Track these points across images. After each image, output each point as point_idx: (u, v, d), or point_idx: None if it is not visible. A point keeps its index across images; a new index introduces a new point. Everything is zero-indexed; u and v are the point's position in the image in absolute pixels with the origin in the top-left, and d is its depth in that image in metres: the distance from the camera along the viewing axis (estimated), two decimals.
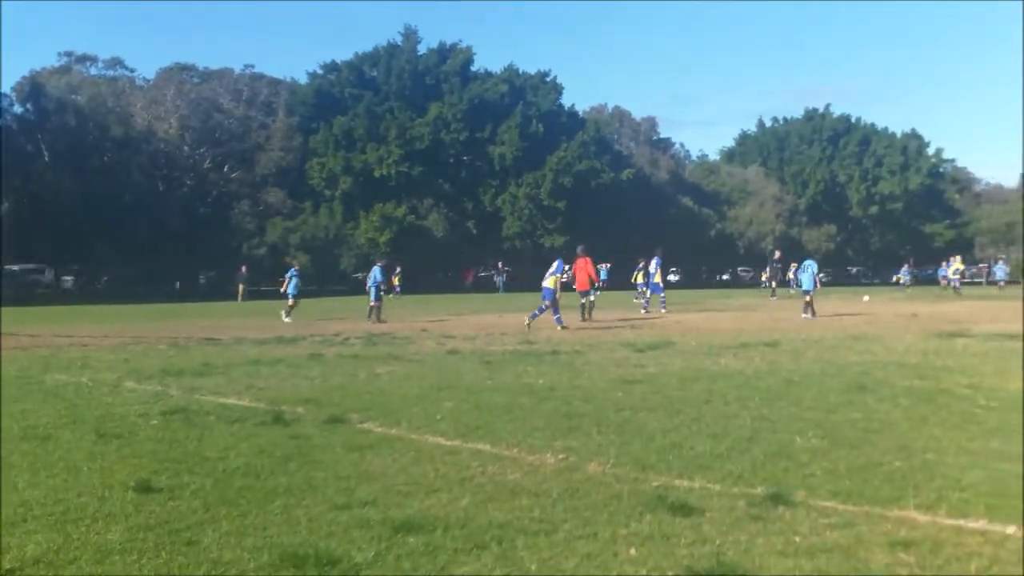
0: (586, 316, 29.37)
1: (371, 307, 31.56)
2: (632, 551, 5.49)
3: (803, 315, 29.93)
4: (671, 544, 5.61)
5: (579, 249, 30.36)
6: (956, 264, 57.90)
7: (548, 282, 26.59)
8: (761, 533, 5.80)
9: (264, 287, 67.73)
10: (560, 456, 8.08)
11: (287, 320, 30.85)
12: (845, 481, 7.08)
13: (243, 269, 61.86)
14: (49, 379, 14.18)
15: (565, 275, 28.00)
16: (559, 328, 24.85)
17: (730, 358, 16.51)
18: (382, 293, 32.26)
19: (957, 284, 55.54)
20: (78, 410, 10.83)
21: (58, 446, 8.67)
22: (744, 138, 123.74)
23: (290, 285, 33.68)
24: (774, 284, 51.54)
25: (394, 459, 8.05)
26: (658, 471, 7.49)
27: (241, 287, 59.31)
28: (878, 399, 11.24)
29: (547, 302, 26.26)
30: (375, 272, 32.72)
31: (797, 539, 5.67)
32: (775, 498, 6.51)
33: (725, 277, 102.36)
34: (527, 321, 26.18)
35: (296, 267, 35.64)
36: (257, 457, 8.13)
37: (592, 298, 29.73)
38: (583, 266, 29.22)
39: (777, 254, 53.66)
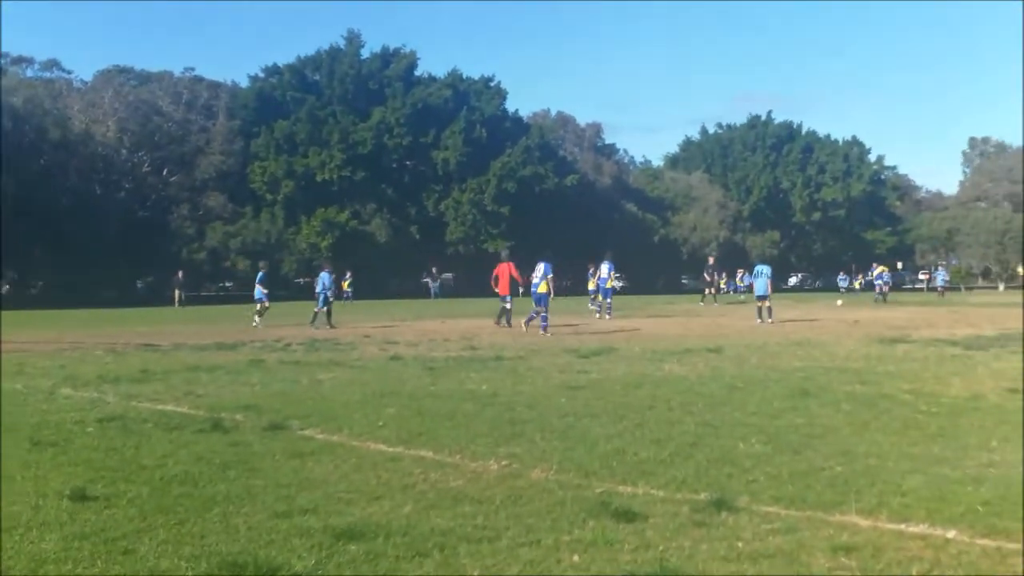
0: (501, 322, 28.84)
1: (315, 313, 30.93)
2: (575, 557, 5.47)
3: (757, 320, 30.15)
4: (614, 550, 5.59)
5: (503, 254, 30.21)
6: (879, 269, 58.51)
7: (540, 287, 26.62)
8: (704, 539, 5.81)
9: (204, 292, 67.21)
10: (503, 462, 8.05)
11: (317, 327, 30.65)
12: (788, 486, 7.11)
13: (179, 274, 61.26)
14: None
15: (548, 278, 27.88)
16: (543, 333, 25.13)
17: (674, 364, 16.58)
18: (330, 299, 31.62)
19: (882, 290, 55.96)
20: (12, 417, 10.62)
21: None
22: (688, 144, 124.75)
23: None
24: (711, 290, 51.66)
25: (335, 466, 7.98)
26: (601, 477, 7.48)
27: (178, 292, 58.67)
28: (820, 404, 11.33)
29: (540, 307, 26.34)
30: (323, 277, 32.09)
31: (740, 544, 5.68)
32: (718, 504, 6.52)
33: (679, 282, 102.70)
34: (523, 326, 26.57)
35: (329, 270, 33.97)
36: (195, 465, 8.01)
37: (508, 305, 28.76)
38: (506, 271, 28.82)
39: (711, 260, 53.81)
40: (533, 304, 26.66)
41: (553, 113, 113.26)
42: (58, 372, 15.89)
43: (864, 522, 6.18)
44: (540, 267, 27.01)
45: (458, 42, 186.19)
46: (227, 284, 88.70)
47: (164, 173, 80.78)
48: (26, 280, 78.56)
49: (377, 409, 11.09)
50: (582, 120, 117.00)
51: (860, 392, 12.43)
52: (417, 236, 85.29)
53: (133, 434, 9.55)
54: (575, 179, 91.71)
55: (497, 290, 29.26)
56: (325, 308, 30.95)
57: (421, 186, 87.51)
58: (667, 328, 27.71)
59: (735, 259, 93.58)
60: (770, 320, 29.99)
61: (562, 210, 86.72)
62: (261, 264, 37.11)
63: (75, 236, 67.69)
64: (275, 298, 40.54)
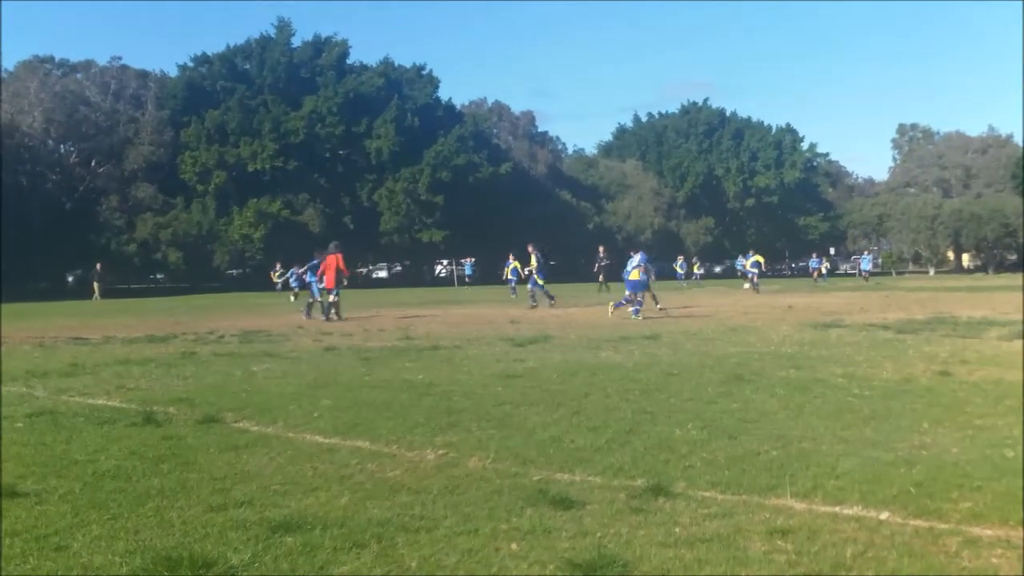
0: (331, 315, 27.97)
1: (311, 303, 30.07)
2: (513, 546, 5.48)
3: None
4: (552, 538, 5.61)
5: (332, 245, 29.69)
6: (755, 257, 55.38)
7: (632, 274, 26.87)
8: (642, 525, 5.84)
9: (135, 285, 66.23)
10: (440, 452, 8.05)
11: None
12: (724, 471, 7.18)
13: (98, 267, 60.23)
14: None
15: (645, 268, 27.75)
16: (634, 318, 25.57)
17: (610, 351, 16.67)
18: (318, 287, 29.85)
19: (754, 279, 52.96)
20: None
21: None
22: (621, 132, 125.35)
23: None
24: (601, 278, 51.16)
25: (271, 458, 7.93)
26: (539, 465, 7.50)
27: (96, 285, 57.68)
28: (755, 389, 11.45)
29: (631, 293, 26.85)
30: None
31: (677, 530, 5.72)
32: (655, 490, 6.56)
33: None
34: (610, 310, 27.22)
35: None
36: (128, 459, 7.92)
37: (334, 297, 28.26)
38: (333, 263, 28.36)
39: (601, 250, 53.27)
40: (626, 290, 27.12)
41: (489, 102, 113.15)
42: None
43: (799, 505, 6.26)
44: (635, 256, 27.38)
45: (390, 31, 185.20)
46: (158, 276, 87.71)
47: (92, 164, 79.50)
48: None
49: (312, 400, 11.03)
50: (516, 109, 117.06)
51: (794, 377, 12.59)
52: (351, 226, 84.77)
53: (64, 429, 9.41)
54: (509, 167, 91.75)
55: (323, 285, 28.73)
56: (319, 299, 29.58)
57: (354, 176, 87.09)
58: (601, 317, 27.80)
59: (671, 247, 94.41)
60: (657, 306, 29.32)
61: (497, 199, 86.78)
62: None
63: (1, 228, 66.39)
64: (207, 290, 40.32)
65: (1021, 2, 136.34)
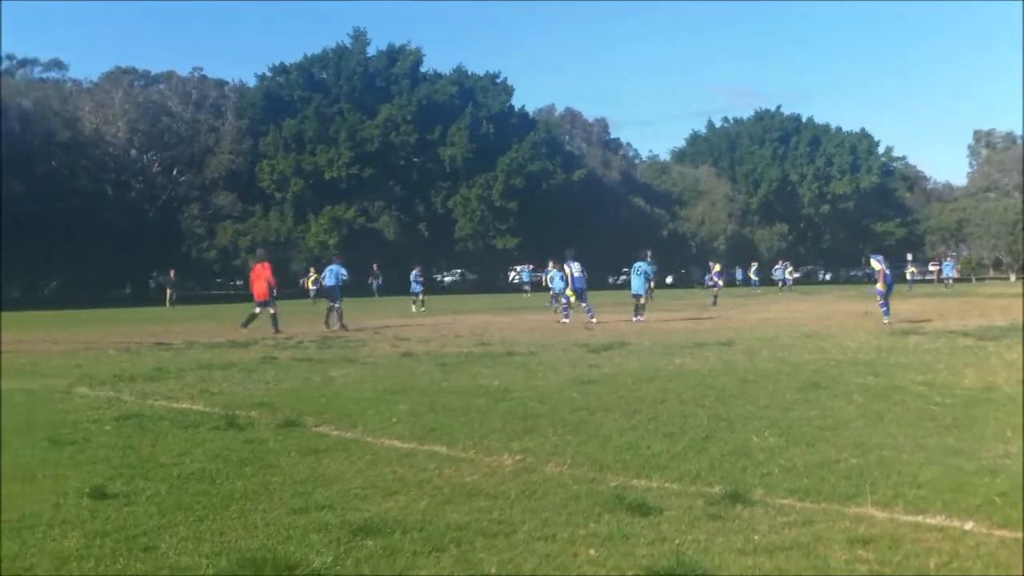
0: (278, 328, 26.04)
1: (333, 308, 29.18)
2: (591, 551, 5.49)
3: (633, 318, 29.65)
4: (630, 544, 5.61)
5: (259, 253, 28.78)
6: (716, 267, 49.84)
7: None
8: (720, 532, 5.82)
9: (215, 291, 67.26)
10: (517, 457, 8.08)
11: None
12: (803, 479, 7.11)
13: (171, 273, 61.15)
14: None
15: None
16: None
17: (685, 357, 16.61)
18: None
19: (718, 286, 47.89)
20: (30, 417, 10.71)
21: (11, 454, 8.54)
22: (695, 138, 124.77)
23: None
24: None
25: (350, 462, 8.01)
26: (615, 471, 7.50)
27: (168, 291, 58.59)
28: (832, 397, 11.33)
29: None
30: (337, 270, 30.17)
31: (756, 537, 5.69)
32: (733, 497, 6.53)
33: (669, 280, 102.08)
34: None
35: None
36: (212, 462, 8.05)
37: (272, 310, 26.57)
38: (261, 273, 27.14)
39: (713, 265, 51.23)
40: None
41: (560, 109, 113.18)
42: (73, 371, 15.97)
43: (880, 514, 6.18)
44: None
45: (464, 39, 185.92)
46: (237, 283, 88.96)
47: (174, 173, 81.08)
48: (39, 281, 78.91)
49: (390, 405, 11.13)
50: (589, 116, 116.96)
51: (872, 384, 12.43)
52: (425, 233, 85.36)
53: (150, 432, 9.60)
54: (582, 174, 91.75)
55: (254, 296, 27.49)
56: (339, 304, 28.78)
57: (429, 183, 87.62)
58: (677, 323, 27.68)
59: (744, 253, 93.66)
60: (640, 318, 29.04)
61: (570, 205, 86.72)
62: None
63: (86, 236, 67.97)
64: (283, 296, 40.87)
65: None
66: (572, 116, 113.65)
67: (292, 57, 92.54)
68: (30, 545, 5.76)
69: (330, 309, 29.08)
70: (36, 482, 7.43)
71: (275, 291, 27.15)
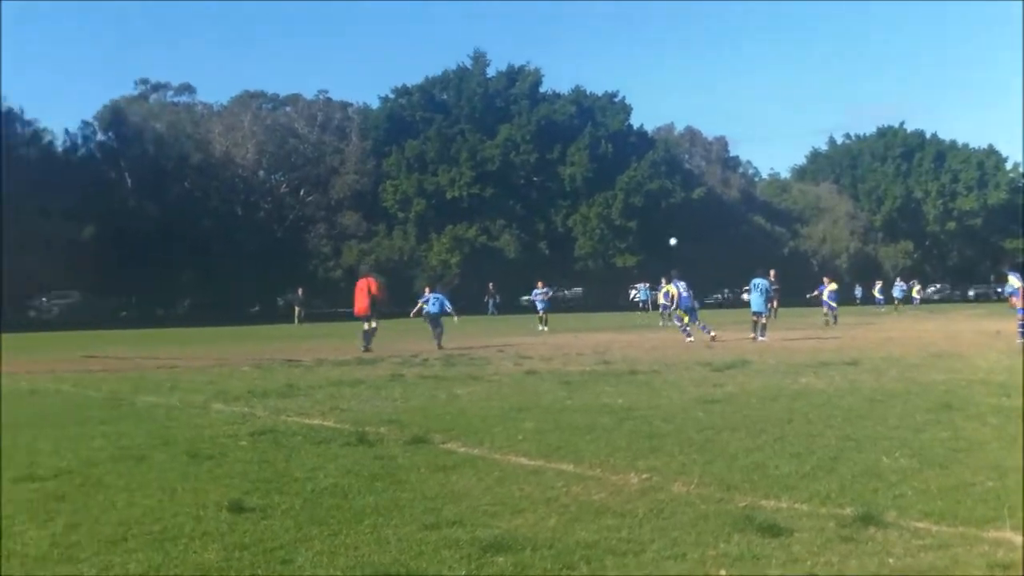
0: (367, 346, 26.23)
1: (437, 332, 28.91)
2: (722, 572, 5.46)
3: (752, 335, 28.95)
4: (761, 565, 5.57)
5: (361, 268, 28.52)
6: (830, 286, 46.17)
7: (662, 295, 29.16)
8: (853, 554, 5.73)
9: (340, 309, 68.22)
10: (644, 476, 8.05)
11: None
12: (937, 501, 6.96)
13: (299, 291, 62.30)
14: (140, 401, 14.51)
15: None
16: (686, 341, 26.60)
17: (810, 377, 16.38)
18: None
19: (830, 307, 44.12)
20: (169, 431, 11.04)
21: (152, 467, 8.83)
22: (815, 156, 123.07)
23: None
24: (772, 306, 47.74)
25: (479, 479, 8.08)
26: (743, 491, 7.44)
27: (297, 309, 59.63)
28: (965, 418, 11.05)
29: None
30: (442, 300, 30.08)
31: (891, 561, 5.59)
32: (865, 519, 6.42)
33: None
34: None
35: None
36: (344, 477, 8.19)
37: (373, 324, 26.73)
38: (363, 287, 27.09)
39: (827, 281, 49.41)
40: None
41: (680, 127, 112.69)
42: (209, 387, 16.45)
43: (1020, 539, 6.01)
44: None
45: (582, 59, 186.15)
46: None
47: (301, 193, 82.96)
48: (171, 298, 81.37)
49: (516, 423, 11.20)
50: (709, 134, 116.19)
51: (1007, 405, 12.08)
52: (546, 251, 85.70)
53: (284, 447, 9.81)
54: (702, 192, 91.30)
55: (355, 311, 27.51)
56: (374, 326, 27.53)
57: (548, 202, 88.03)
58: (800, 342, 27.28)
59: (868, 271, 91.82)
60: (763, 337, 28.25)
61: (689, 224, 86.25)
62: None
63: (217, 256, 69.92)
64: (403, 314, 41.57)
65: None
66: (691, 134, 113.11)
67: (414, 79, 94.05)
68: (172, 557, 5.92)
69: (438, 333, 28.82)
70: (176, 495, 7.62)
71: (378, 307, 27.27)
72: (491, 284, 71.18)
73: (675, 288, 30.03)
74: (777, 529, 6.25)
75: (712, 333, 28.60)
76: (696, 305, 30.81)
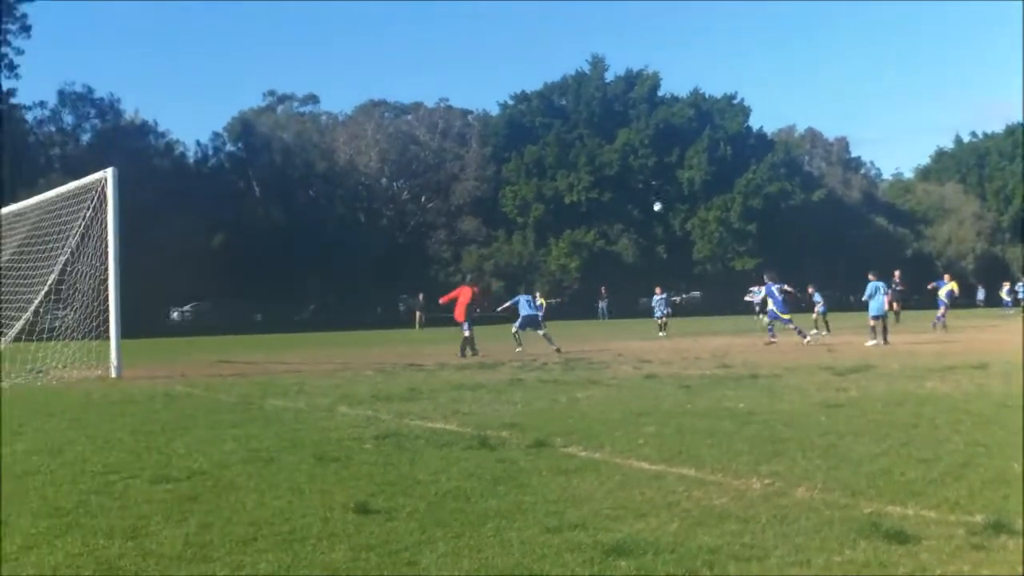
0: (466, 353, 26.61)
1: (522, 331, 29.80)
2: None
3: (870, 342, 27.90)
4: (889, 573, 5.47)
5: (467, 278, 28.54)
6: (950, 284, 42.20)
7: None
8: (984, 563, 5.60)
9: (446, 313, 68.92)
10: (766, 481, 7.98)
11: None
12: None
13: (420, 297, 62.92)
14: (268, 404, 14.89)
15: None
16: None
17: (936, 381, 16.02)
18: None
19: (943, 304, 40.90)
20: (297, 434, 11.29)
21: (281, 468, 9.03)
22: (940, 155, 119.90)
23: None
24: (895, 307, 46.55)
25: (600, 483, 8.08)
26: (868, 497, 7.32)
27: (418, 314, 60.20)
28: None
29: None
30: (528, 300, 30.76)
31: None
32: (996, 526, 6.25)
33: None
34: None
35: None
36: (467, 480, 8.26)
37: (467, 332, 27.08)
38: (458, 295, 27.62)
39: (897, 275, 48.18)
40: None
41: (801, 128, 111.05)
42: (334, 391, 16.79)
43: None
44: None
45: (700, 61, 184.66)
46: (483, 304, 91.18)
47: (422, 200, 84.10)
48: (297, 303, 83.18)
49: (636, 427, 11.18)
50: (830, 134, 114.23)
51: None
52: (664, 255, 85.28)
53: (407, 451, 9.92)
54: (822, 194, 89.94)
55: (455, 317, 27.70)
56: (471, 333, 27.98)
57: (667, 205, 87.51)
58: (924, 345, 26.66)
59: (995, 272, 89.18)
60: (883, 342, 27.43)
61: (810, 226, 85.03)
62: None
63: (342, 262, 71.24)
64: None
65: None
66: (812, 135, 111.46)
67: (533, 85, 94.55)
68: (301, 557, 6.03)
69: (545, 334, 29.43)
70: (304, 496, 7.76)
71: (474, 315, 27.86)
72: (602, 288, 71.14)
73: (767, 291, 30.43)
74: (904, 536, 6.14)
75: (806, 339, 28.71)
76: (784, 309, 30.48)
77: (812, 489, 7.63)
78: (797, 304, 32.32)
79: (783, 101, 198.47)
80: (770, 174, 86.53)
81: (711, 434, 10.56)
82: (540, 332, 29.57)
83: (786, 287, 30.49)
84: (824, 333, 34.66)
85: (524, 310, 30.19)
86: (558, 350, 27.37)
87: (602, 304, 69.68)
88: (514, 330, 30.30)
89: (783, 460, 8.92)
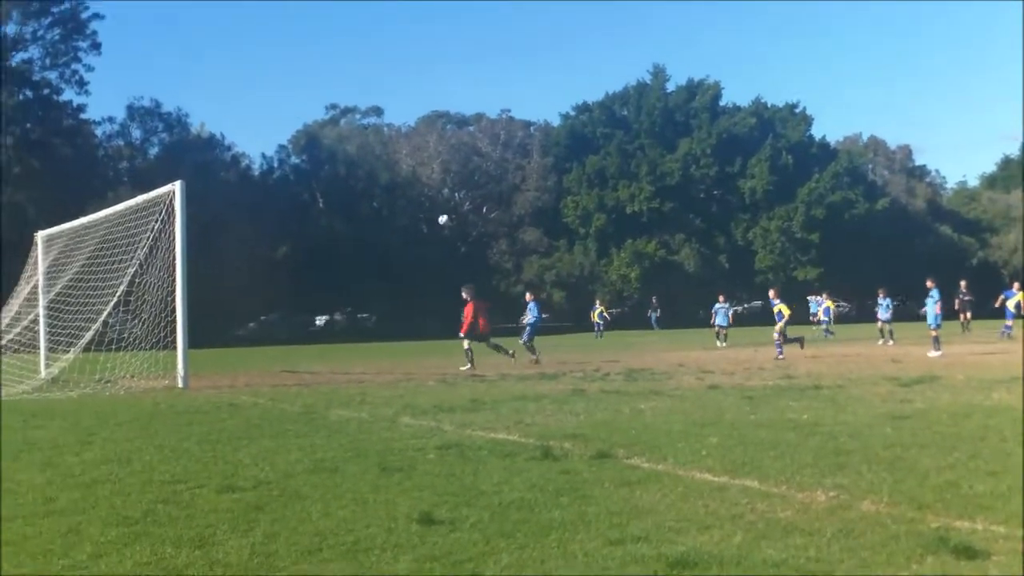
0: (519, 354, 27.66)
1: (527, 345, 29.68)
2: None
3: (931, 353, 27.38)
4: None
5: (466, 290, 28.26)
6: (1019, 295, 41.49)
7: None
8: None
9: (520, 324, 68.84)
10: (831, 494, 7.91)
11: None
12: None
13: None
14: (332, 414, 15.02)
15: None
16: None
17: (1003, 392, 15.76)
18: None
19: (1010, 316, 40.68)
20: (361, 444, 11.35)
21: (345, 478, 9.09)
22: (1007, 162, 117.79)
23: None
24: (966, 316, 46.33)
25: (663, 495, 8.05)
26: (935, 511, 7.23)
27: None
28: None
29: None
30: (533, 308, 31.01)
31: None
32: None
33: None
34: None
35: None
36: (530, 491, 8.26)
37: (465, 344, 27.21)
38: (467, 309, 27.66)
39: (963, 285, 47.69)
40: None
41: (864, 137, 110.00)
42: (397, 401, 16.92)
43: None
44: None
45: (762, 70, 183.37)
46: (543, 316, 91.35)
47: (484, 210, 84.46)
48: (360, 314, 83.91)
49: (699, 438, 11.13)
50: (893, 143, 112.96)
51: None
52: (726, 265, 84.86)
53: (470, 461, 9.95)
54: (886, 203, 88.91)
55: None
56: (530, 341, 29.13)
57: (728, 215, 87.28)
58: (990, 356, 26.25)
59: None
60: (938, 352, 27.04)
61: (873, 235, 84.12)
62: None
63: (403, 272, 71.74)
64: (589, 328, 41.67)
65: None
66: (875, 144, 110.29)
67: (594, 96, 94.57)
68: (365, 567, 6.07)
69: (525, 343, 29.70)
70: (368, 506, 7.81)
71: (478, 330, 27.85)
72: (653, 298, 71.05)
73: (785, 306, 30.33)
74: (972, 551, 6.06)
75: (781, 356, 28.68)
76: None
77: (878, 502, 7.56)
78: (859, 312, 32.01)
79: (845, 109, 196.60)
80: (833, 183, 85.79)
81: (774, 446, 10.49)
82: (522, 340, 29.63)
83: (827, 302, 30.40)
84: (889, 342, 34.32)
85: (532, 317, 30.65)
86: (513, 354, 27.89)
87: (653, 314, 69.52)
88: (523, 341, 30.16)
89: (848, 472, 8.83)
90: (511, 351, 27.86)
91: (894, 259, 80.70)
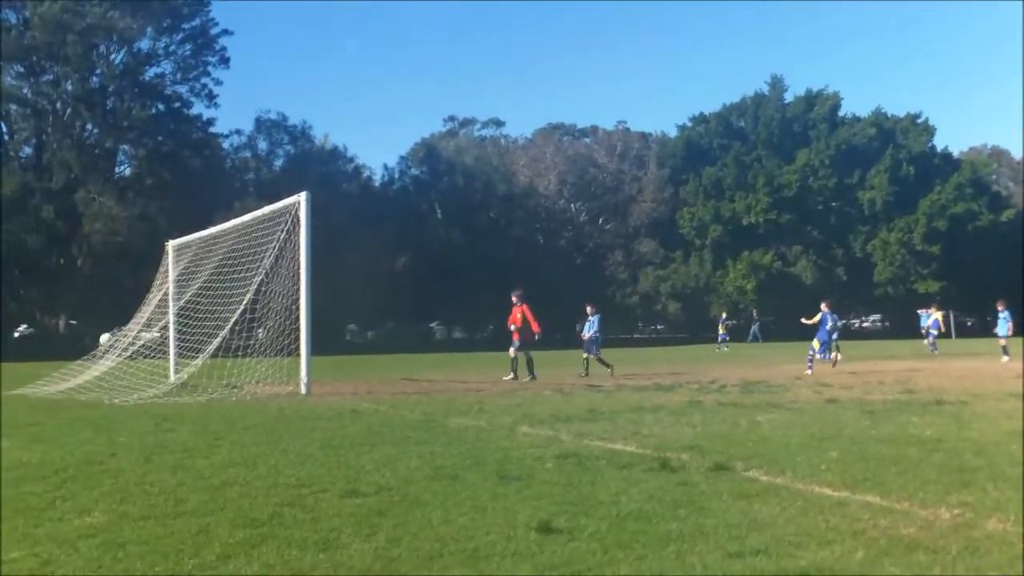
0: (515, 373, 27.14)
1: (587, 359, 29.74)
2: None
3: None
4: None
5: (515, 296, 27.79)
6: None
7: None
8: None
9: (637, 335, 68.95)
10: (955, 511, 7.76)
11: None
12: None
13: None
14: (451, 422, 15.18)
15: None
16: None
17: None
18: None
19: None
20: (479, 452, 11.46)
21: (464, 486, 9.20)
22: None
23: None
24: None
25: (782, 508, 7.99)
26: None
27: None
28: None
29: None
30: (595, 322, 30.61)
31: None
32: None
33: None
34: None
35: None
36: (648, 502, 8.25)
37: (512, 354, 27.17)
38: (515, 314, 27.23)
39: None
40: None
41: (988, 148, 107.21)
42: (515, 410, 17.02)
43: None
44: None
45: (882, 80, 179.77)
46: (658, 327, 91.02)
47: (600, 221, 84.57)
48: (476, 324, 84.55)
49: (818, 452, 11.00)
50: (1017, 153, 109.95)
51: None
52: (844, 277, 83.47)
53: (588, 471, 9.95)
54: (1011, 214, 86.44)
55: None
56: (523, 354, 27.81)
57: (847, 227, 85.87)
58: None
59: None
60: (1006, 358, 26.38)
61: (998, 247, 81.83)
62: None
63: (520, 283, 72.09)
64: (704, 339, 41.40)
65: None
66: (998, 154, 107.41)
67: (711, 107, 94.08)
68: (486, 574, 6.17)
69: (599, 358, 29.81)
70: (488, 514, 7.88)
71: (528, 337, 27.89)
72: (753, 311, 70.36)
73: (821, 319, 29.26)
74: None
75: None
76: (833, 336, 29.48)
77: (1004, 521, 7.41)
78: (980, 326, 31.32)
79: (969, 120, 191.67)
80: (955, 194, 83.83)
81: (896, 461, 10.32)
82: (592, 354, 29.78)
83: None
84: (1006, 358, 33.40)
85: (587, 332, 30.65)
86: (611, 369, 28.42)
87: (754, 327, 68.84)
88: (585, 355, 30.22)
89: (973, 490, 8.67)
90: (610, 365, 28.48)
91: (1020, 271, 78.42)
